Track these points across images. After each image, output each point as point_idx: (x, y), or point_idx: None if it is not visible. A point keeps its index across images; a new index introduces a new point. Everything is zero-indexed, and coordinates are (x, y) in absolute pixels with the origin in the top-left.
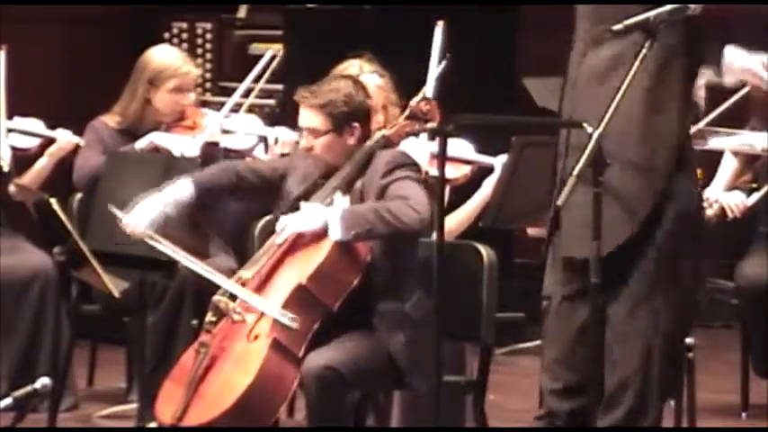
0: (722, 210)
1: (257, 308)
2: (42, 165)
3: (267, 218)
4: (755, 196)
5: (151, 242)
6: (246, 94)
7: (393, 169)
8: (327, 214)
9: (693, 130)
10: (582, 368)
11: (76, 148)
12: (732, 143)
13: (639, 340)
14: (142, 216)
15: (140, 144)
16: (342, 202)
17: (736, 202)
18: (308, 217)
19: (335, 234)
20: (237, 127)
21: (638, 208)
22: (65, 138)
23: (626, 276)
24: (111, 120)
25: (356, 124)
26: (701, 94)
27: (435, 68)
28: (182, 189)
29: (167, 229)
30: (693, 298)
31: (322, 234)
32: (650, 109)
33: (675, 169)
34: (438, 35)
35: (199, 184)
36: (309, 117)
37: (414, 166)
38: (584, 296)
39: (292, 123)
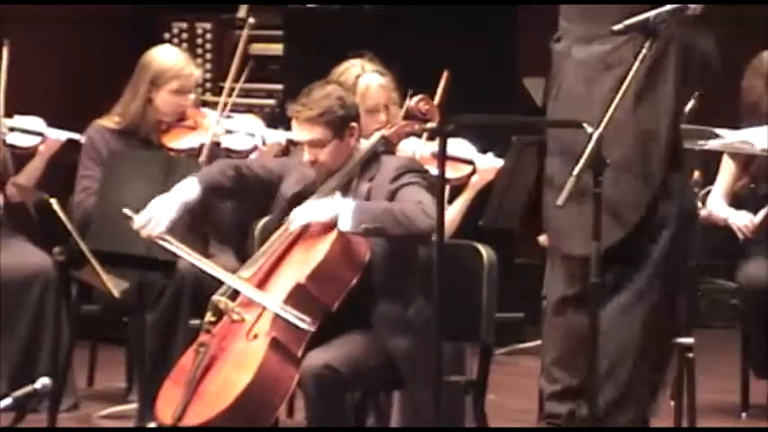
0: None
1: (277, 313)
2: (34, 165)
3: (267, 218)
4: (762, 213)
5: (165, 244)
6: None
7: (402, 174)
8: (339, 206)
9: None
10: (582, 370)
11: (77, 146)
12: (732, 138)
13: (624, 336)
14: (159, 217)
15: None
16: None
17: (745, 222)
18: (319, 208)
19: (345, 225)
20: (239, 127)
21: (632, 211)
22: (51, 137)
23: (620, 275)
24: (109, 121)
25: (354, 124)
26: None
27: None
28: (190, 190)
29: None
30: (685, 300)
31: (324, 231)
32: (642, 112)
33: (670, 171)
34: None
35: (205, 184)
36: (308, 130)
37: (423, 172)
38: (583, 299)
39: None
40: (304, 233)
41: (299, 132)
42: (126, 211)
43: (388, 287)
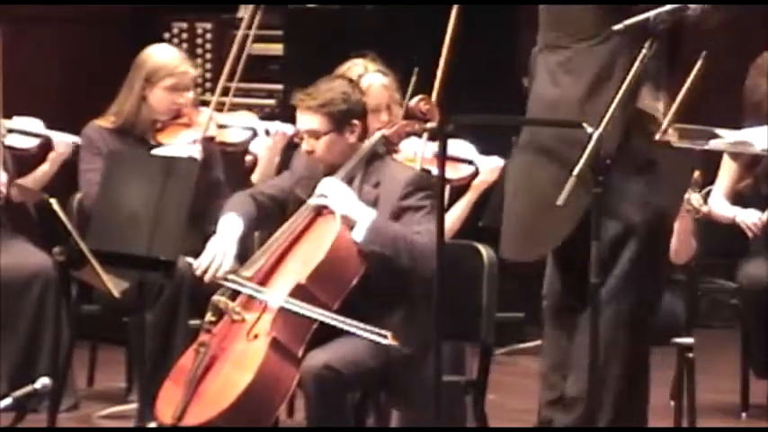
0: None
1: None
2: (45, 170)
3: None
4: None
5: (228, 284)
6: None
7: (412, 192)
8: (361, 213)
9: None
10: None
11: (77, 149)
12: (732, 138)
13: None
14: (223, 259)
15: None
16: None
17: (754, 220)
18: (346, 200)
19: (358, 236)
20: (232, 122)
21: (570, 215)
22: (62, 141)
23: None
24: (105, 121)
25: (356, 122)
26: None
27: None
28: (236, 225)
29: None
30: (684, 300)
31: (323, 230)
32: (585, 118)
33: (624, 174)
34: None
35: (245, 217)
36: (308, 119)
37: (430, 189)
38: (581, 304)
39: (292, 122)
40: (310, 224)
41: (300, 120)
42: (188, 259)
43: (387, 286)
